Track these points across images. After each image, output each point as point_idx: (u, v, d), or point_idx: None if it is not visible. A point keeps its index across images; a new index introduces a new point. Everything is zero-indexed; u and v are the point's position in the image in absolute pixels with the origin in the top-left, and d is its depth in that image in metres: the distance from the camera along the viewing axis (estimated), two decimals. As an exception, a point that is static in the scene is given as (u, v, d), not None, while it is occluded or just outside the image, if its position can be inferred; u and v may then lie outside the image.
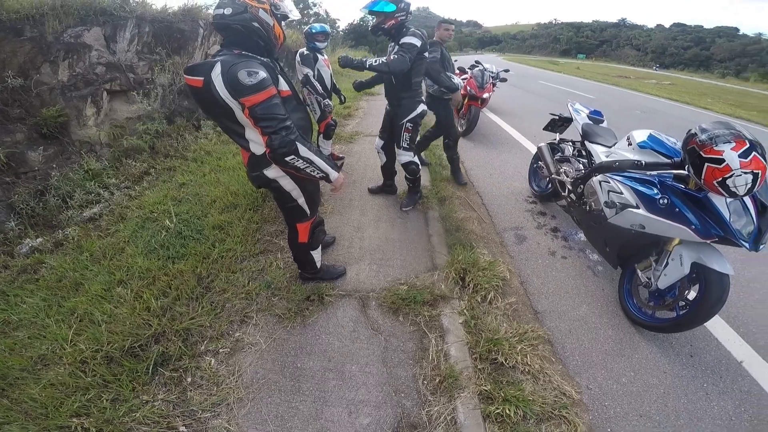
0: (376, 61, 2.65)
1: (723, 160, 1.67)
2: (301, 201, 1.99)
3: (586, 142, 2.99)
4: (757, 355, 2.14)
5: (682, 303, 2.05)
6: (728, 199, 1.81)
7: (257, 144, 1.67)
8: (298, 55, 3.88)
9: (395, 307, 2.24)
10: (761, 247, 1.80)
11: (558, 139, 3.53)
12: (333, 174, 1.78)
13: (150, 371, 1.80)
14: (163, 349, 1.90)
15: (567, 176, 3.08)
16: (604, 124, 3.23)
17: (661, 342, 2.19)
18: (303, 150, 1.61)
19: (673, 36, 67.47)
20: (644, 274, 2.18)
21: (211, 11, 5.46)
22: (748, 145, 1.67)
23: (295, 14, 1.75)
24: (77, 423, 1.53)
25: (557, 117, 3.61)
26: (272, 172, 1.82)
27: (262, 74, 1.50)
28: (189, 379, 1.79)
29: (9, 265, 2.86)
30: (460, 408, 1.66)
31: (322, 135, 4.12)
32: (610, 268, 2.69)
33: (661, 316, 2.19)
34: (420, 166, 3.26)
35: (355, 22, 32.90)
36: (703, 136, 1.75)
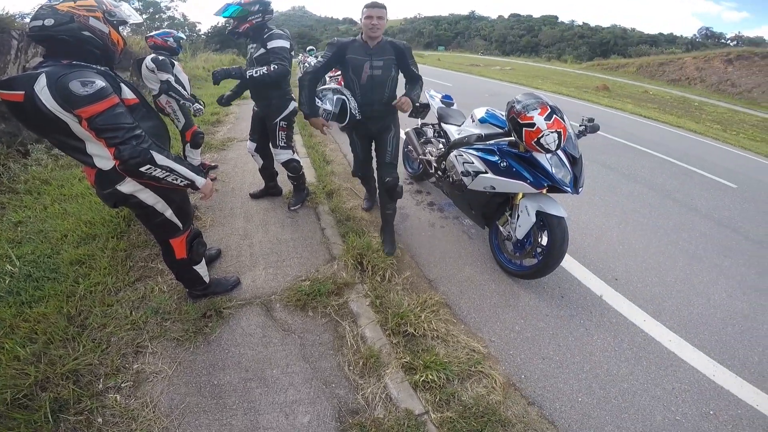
0: (256, 72, 2.66)
1: (534, 124, 2.15)
2: (169, 213, 1.85)
3: (442, 124, 3.42)
4: (610, 288, 2.67)
5: (539, 249, 2.51)
6: (548, 156, 2.31)
7: (103, 158, 1.53)
8: (150, 61, 3.37)
9: (301, 303, 2.27)
10: (580, 190, 2.33)
11: (420, 123, 3.93)
12: (199, 180, 1.69)
13: (50, 419, 1.55)
14: (54, 395, 1.65)
15: (431, 155, 3.47)
16: (455, 107, 3.72)
17: (536, 288, 2.62)
18: (159, 158, 1.49)
19: (511, 26, 77.32)
20: (505, 229, 2.63)
21: (26, 21, 4.53)
22: (549, 110, 2.17)
23: (135, 18, 1.61)
24: None
25: (418, 104, 4.01)
26: (127, 186, 1.66)
27: (100, 83, 1.37)
28: (100, 420, 1.60)
29: None
30: (390, 384, 1.80)
31: (189, 144, 3.75)
32: (480, 229, 3.14)
33: (527, 263, 2.64)
34: (300, 163, 3.27)
35: (219, 25, 30.24)
36: (518, 106, 2.23)
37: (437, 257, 2.90)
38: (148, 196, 1.73)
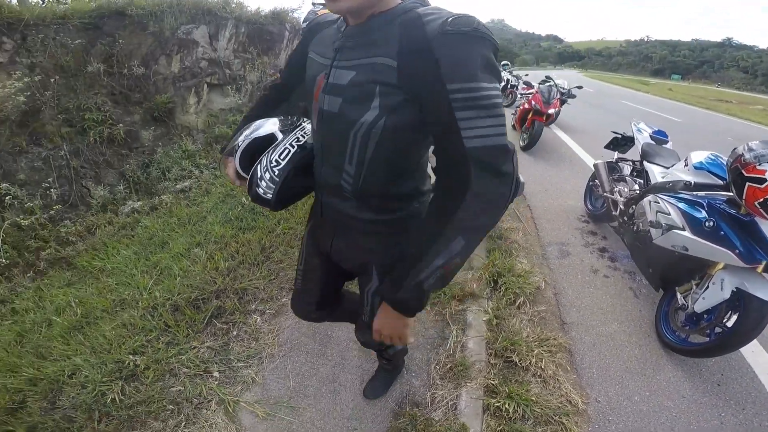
0: None
1: (765, 180, 1.64)
2: None
3: (645, 162, 2.92)
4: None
5: (718, 330, 1.98)
6: None
7: None
8: None
9: None
10: None
11: (616, 157, 3.45)
12: None
13: (205, 321, 2.13)
14: (220, 304, 2.23)
15: (621, 195, 3.02)
16: (668, 145, 3.12)
17: (690, 367, 2.12)
18: None
19: None
20: (683, 297, 2.13)
21: (296, 15, 5.98)
22: None
23: None
24: (132, 360, 1.86)
25: (620, 136, 3.54)
26: None
27: None
28: (234, 332, 2.10)
29: (113, 221, 3.50)
30: (464, 396, 1.77)
31: None
32: (653, 293, 2.61)
33: (694, 340, 2.12)
34: None
35: None
36: (748, 155, 1.73)
37: (585, 303, 2.57)
38: None
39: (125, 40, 4.19)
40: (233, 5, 5.36)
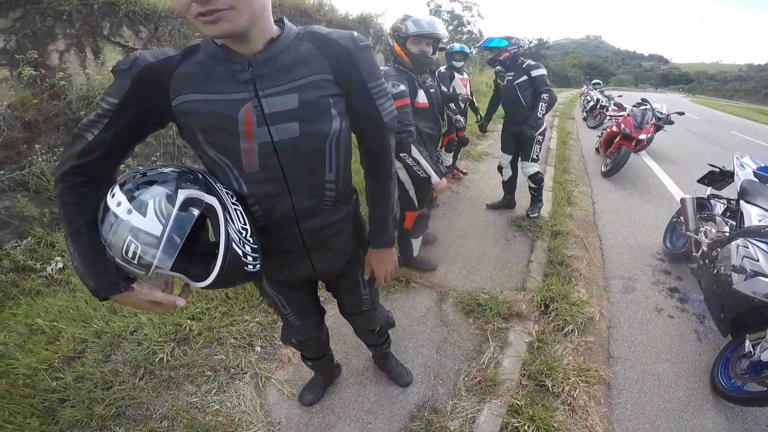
0: (542, 109, 3.23)
1: None
2: (412, 193, 2.38)
3: (742, 201, 2.60)
4: None
5: None
6: None
7: None
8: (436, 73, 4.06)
9: (469, 309, 2.41)
10: None
11: (709, 193, 3.10)
12: (434, 177, 2.17)
13: (261, 297, 2.28)
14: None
15: (706, 236, 2.72)
16: (776, 184, 2.74)
17: (735, 415, 1.91)
18: (414, 151, 2.06)
19: None
20: (751, 344, 1.93)
21: (380, 21, 6.20)
22: None
23: (412, 29, 2.00)
24: (188, 324, 2.06)
25: (717, 169, 3.16)
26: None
27: (402, 87, 1.99)
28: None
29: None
30: (485, 411, 1.75)
31: (444, 148, 4.39)
32: (719, 339, 2.34)
33: (750, 387, 1.92)
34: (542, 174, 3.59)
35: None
36: None
37: (639, 340, 2.38)
38: (403, 175, 2.29)
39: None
40: (326, 8, 5.71)
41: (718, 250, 2.45)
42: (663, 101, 6.80)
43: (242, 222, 0.84)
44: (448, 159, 4.55)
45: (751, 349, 1.92)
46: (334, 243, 1.11)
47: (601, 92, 10.92)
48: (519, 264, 2.99)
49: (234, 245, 0.80)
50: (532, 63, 3.30)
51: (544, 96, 3.22)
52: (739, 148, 9.38)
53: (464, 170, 4.96)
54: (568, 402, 1.85)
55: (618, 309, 2.66)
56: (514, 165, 3.71)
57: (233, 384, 1.85)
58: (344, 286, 1.30)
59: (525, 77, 3.25)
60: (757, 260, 1.98)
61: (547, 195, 4.35)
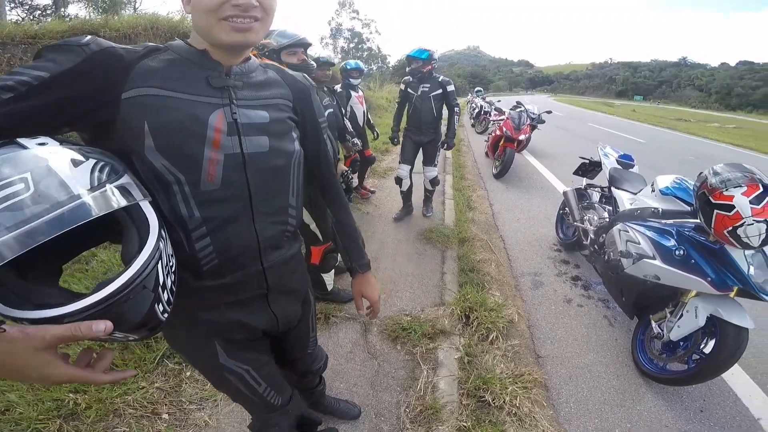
0: (456, 122, 3.76)
1: (733, 207, 1.60)
2: (313, 227, 2.19)
3: (612, 188, 2.92)
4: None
5: (695, 356, 1.94)
6: (747, 252, 1.71)
7: None
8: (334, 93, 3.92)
9: (395, 335, 2.29)
10: None
11: (585, 184, 3.46)
12: None
13: (156, 361, 1.95)
14: None
15: (590, 224, 3.00)
16: (635, 169, 3.14)
17: (671, 395, 2.05)
18: None
19: (740, 75, 62.12)
20: (658, 325, 2.10)
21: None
22: (761, 189, 1.57)
23: (281, 41, 1.94)
24: (72, 398, 1.68)
25: (587, 161, 3.55)
26: None
27: None
28: (188, 374, 1.92)
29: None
30: None
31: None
32: (629, 320, 2.56)
33: (673, 368, 2.07)
34: None
35: (401, 62, 34.07)
36: (713, 180, 1.69)
37: (559, 335, 2.49)
38: None
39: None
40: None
41: (603, 236, 2.69)
42: (533, 102, 7.68)
43: (171, 252, 0.66)
44: (353, 180, 4.45)
45: (659, 330, 2.07)
46: (291, 284, 0.97)
47: (483, 98, 11.92)
48: (434, 277, 2.96)
49: (160, 268, 0.59)
50: (446, 78, 3.59)
51: (456, 109, 3.69)
52: (599, 138, 11.09)
53: (372, 189, 4.89)
54: (513, 412, 1.82)
55: (532, 306, 2.77)
56: (410, 174, 3.90)
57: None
58: (295, 333, 1.10)
59: (440, 90, 3.52)
60: (639, 243, 2.17)
61: (449, 203, 4.51)
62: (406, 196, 4.04)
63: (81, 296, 0.51)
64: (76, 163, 0.54)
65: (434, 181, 3.92)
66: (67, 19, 4.08)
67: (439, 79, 3.53)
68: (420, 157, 3.86)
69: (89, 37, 0.65)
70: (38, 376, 0.50)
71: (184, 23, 5.04)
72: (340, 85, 3.98)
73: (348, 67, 4.04)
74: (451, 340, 2.26)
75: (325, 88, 3.03)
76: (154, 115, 0.66)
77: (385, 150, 7.35)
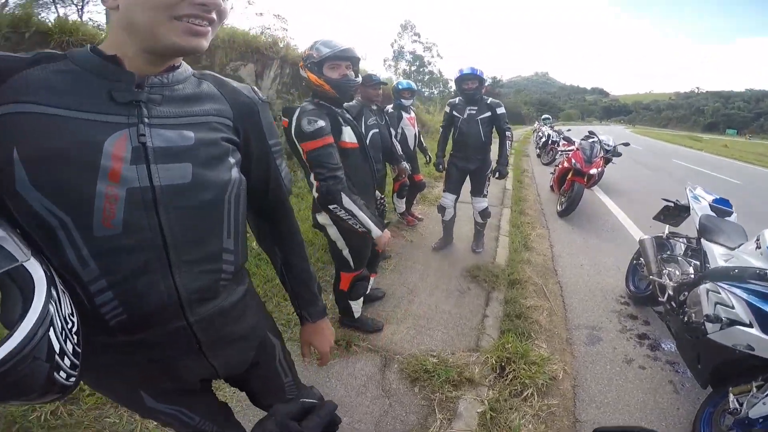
0: (508, 148, 3.36)
1: None
2: (346, 252, 2.05)
3: (703, 240, 2.43)
4: None
5: None
6: None
7: (314, 188, 1.71)
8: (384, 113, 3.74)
9: (415, 376, 2.08)
10: None
11: (667, 232, 2.94)
12: (375, 231, 1.75)
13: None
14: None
15: (670, 279, 2.51)
16: (732, 218, 2.61)
17: None
18: (347, 201, 1.63)
19: None
20: (737, 399, 1.70)
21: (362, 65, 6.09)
22: None
23: (323, 51, 1.66)
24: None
25: (672, 204, 3.03)
26: (322, 218, 1.96)
27: (321, 123, 1.59)
28: None
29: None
30: None
31: (396, 194, 4.14)
32: (698, 388, 2.10)
33: None
34: None
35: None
36: None
37: (609, 398, 2.10)
38: (333, 232, 1.98)
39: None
40: (281, 45, 5.47)
41: (686, 294, 2.24)
42: (608, 133, 7.00)
43: (69, 310, 0.53)
44: (400, 205, 4.29)
45: (737, 405, 1.69)
46: (235, 333, 0.80)
47: (551, 127, 11.21)
48: (473, 319, 2.66)
49: (53, 333, 0.47)
50: (495, 100, 3.30)
51: (508, 134, 3.31)
52: (682, 175, 9.85)
53: (420, 216, 4.68)
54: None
55: (583, 364, 2.37)
56: (455, 204, 3.64)
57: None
58: (258, 375, 0.95)
59: (489, 113, 3.23)
60: (732, 307, 1.77)
61: (504, 240, 4.14)
62: (448, 225, 3.79)
63: None
64: None
65: (484, 214, 3.59)
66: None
67: (488, 101, 3.26)
68: (468, 186, 3.59)
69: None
70: None
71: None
72: (391, 106, 3.88)
73: (399, 87, 3.89)
74: (478, 391, 2.00)
75: (374, 107, 2.94)
76: (27, 138, 0.51)
77: (439, 176, 7.11)
